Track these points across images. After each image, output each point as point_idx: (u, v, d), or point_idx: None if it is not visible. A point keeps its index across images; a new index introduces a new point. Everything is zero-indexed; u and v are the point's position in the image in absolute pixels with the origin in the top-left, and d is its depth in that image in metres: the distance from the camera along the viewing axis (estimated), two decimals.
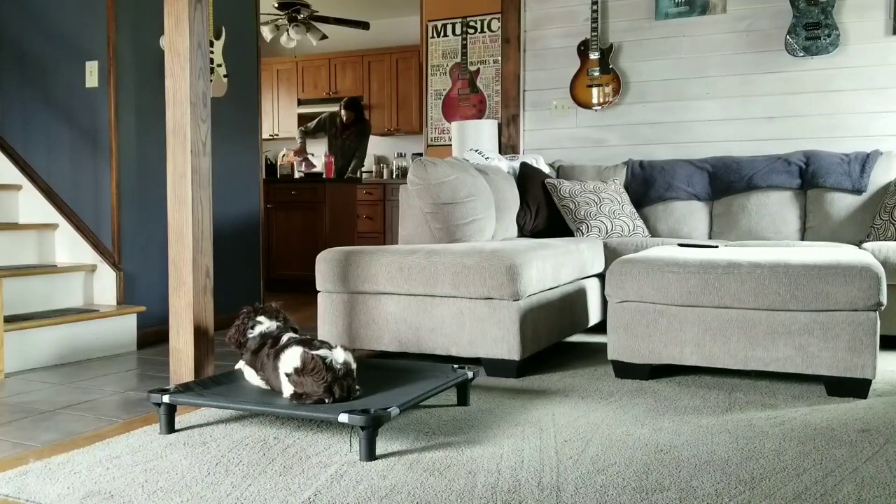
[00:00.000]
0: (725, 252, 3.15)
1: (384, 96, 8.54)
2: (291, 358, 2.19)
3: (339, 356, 2.20)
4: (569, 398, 2.62)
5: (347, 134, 7.43)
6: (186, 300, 2.69)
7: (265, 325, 2.43)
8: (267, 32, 7.64)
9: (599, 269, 3.91)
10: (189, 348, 2.69)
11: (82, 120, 3.92)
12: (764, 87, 4.69)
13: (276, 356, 2.25)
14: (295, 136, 8.93)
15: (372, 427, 1.97)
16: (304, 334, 2.44)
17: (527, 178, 4.49)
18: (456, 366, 2.54)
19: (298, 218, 6.28)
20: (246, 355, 2.42)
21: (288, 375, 2.19)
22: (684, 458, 1.98)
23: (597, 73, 5.04)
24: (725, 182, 4.42)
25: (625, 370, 2.94)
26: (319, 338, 2.63)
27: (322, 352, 2.18)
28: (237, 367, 2.52)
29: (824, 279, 2.62)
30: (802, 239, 4.23)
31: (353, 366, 2.24)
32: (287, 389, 2.20)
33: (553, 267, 3.23)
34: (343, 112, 7.50)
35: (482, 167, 4.21)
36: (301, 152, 7.50)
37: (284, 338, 2.34)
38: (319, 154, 7.89)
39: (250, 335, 2.42)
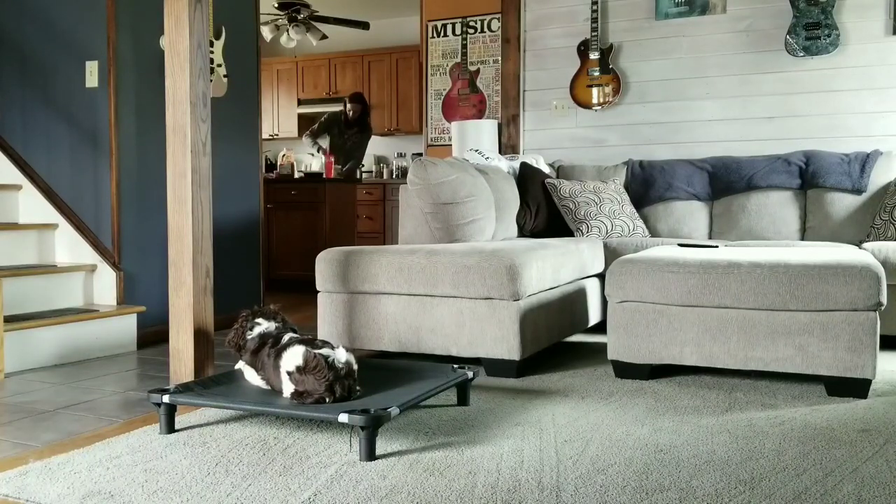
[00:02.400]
0: (725, 252, 3.15)
1: (384, 96, 8.55)
2: (294, 356, 2.19)
3: (342, 356, 2.20)
4: (569, 398, 2.62)
5: (351, 133, 7.34)
6: (186, 300, 2.69)
7: (264, 325, 2.44)
8: (267, 32, 7.64)
9: (599, 269, 3.91)
10: (189, 348, 2.69)
11: (82, 120, 3.92)
12: (764, 87, 4.70)
13: (278, 355, 2.26)
14: (295, 135, 8.94)
15: (372, 427, 1.97)
16: (305, 334, 2.44)
17: (527, 178, 4.49)
18: (456, 366, 2.54)
19: (298, 218, 6.28)
20: (246, 355, 2.42)
21: (289, 374, 2.19)
22: (684, 458, 1.98)
23: (597, 73, 5.04)
24: (725, 182, 4.43)
25: (625, 370, 2.94)
26: (319, 338, 2.62)
27: (325, 351, 2.19)
28: (237, 367, 2.52)
29: (824, 279, 2.62)
30: (802, 239, 4.23)
31: (355, 366, 2.24)
32: (288, 388, 2.20)
33: (553, 267, 3.23)
34: (349, 106, 7.33)
35: (482, 167, 4.21)
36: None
37: (286, 337, 2.34)
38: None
39: (249, 336, 2.42)
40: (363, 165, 8.29)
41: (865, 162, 4.18)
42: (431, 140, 5.87)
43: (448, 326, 3.03)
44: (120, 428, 2.36)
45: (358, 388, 2.25)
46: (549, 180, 4.45)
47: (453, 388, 2.48)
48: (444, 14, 5.74)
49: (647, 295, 2.87)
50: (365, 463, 1.96)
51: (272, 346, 2.32)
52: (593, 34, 5.02)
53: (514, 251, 3.00)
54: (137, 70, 3.94)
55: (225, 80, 4.43)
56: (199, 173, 2.71)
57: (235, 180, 4.58)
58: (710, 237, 4.44)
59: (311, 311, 4.85)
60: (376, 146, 8.86)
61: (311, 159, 7.43)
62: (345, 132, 7.35)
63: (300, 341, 2.27)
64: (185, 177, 2.68)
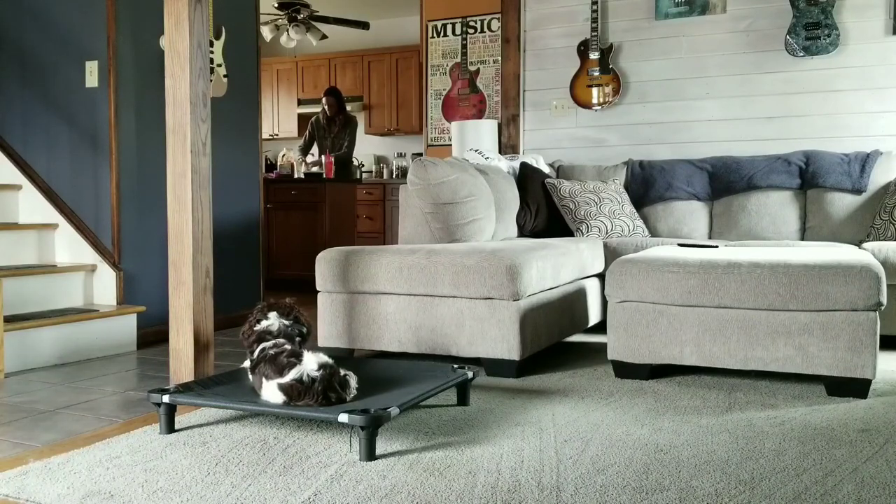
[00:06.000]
0: (725, 252, 3.15)
1: (384, 96, 8.55)
2: (274, 395, 2.17)
3: (312, 366, 2.16)
4: (569, 398, 2.62)
5: (334, 128, 7.29)
6: (186, 300, 2.69)
7: (269, 322, 2.40)
8: (267, 32, 7.63)
9: (599, 269, 3.91)
10: (189, 348, 2.69)
11: (82, 120, 3.92)
12: (764, 87, 4.70)
13: (261, 386, 2.23)
14: (295, 135, 8.94)
15: (372, 427, 1.97)
16: (281, 345, 2.29)
17: (527, 178, 4.49)
18: (456, 366, 2.54)
19: (298, 218, 6.28)
20: (249, 363, 2.38)
21: (285, 404, 2.17)
22: (684, 458, 1.98)
23: (597, 73, 5.04)
24: (725, 182, 4.43)
25: (625, 370, 2.94)
26: (283, 340, 2.37)
27: (294, 373, 2.14)
28: (244, 364, 2.49)
29: (824, 279, 2.62)
30: (802, 239, 4.23)
31: (331, 361, 2.21)
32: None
33: (553, 267, 3.23)
34: (324, 101, 7.25)
35: (482, 167, 4.21)
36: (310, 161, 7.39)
37: (262, 361, 2.26)
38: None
39: (257, 328, 2.38)
40: (360, 163, 8.28)
41: (865, 162, 4.18)
42: (431, 140, 5.87)
43: (448, 326, 3.03)
44: (120, 428, 2.36)
45: (346, 374, 2.23)
46: (549, 180, 4.45)
47: (453, 388, 2.48)
48: (444, 14, 5.74)
49: (647, 295, 2.87)
50: (365, 463, 1.96)
51: (260, 370, 2.26)
52: (593, 34, 5.02)
53: (514, 251, 3.00)
54: (137, 70, 3.94)
55: (225, 80, 4.43)
56: (199, 173, 2.71)
57: (235, 180, 4.58)
58: (710, 237, 4.44)
59: (311, 312, 4.84)
60: (376, 146, 8.86)
61: (309, 158, 7.45)
62: (327, 129, 7.31)
63: (273, 365, 2.20)
64: (185, 177, 2.68)
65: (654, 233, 4.50)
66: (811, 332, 2.65)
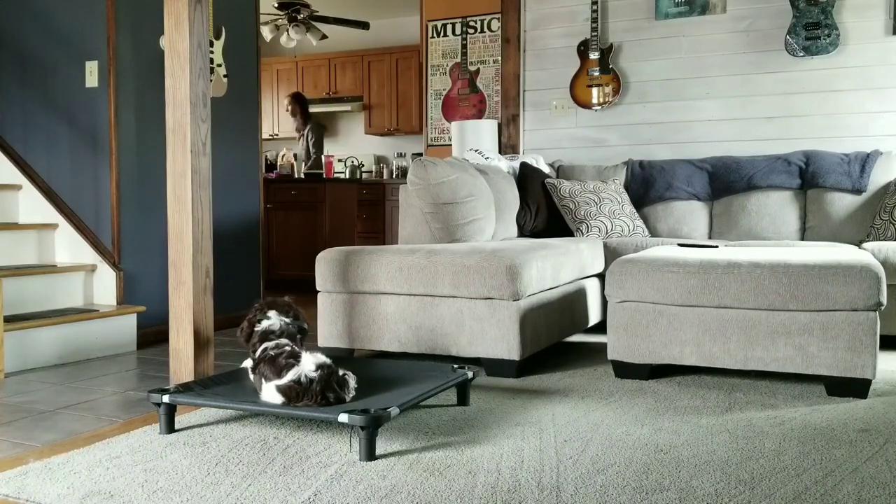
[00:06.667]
0: (725, 252, 3.15)
1: (384, 96, 8.55)
2: (273, 396, 2.16)
3: (309, 366, 2.15)
4: (569, 398, 2.62)
5: (305, 131, 7.53)
6: (186, 300, 2.69)
7: (271, 322, 2.40)
8: (267, 32, 7.64)
9: (599, 269, 3.91)
10: (189, 348, 2.69)
11: (82, 120, 3.92)
12: (764, 87, 4.70)
13: (261, 387, 2.23)
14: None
15: (372, 427, 1.97)
16: (282, 345, 2.28)
17: (527, 178, 4.49)
18: (456, 366, 2.54)
19: (298, 218, 6.28)
20: (250, 361, 2.38)
21: (285, 405, 2.17)
22: (684, 458, 1.98)
23: (597, 73, 5.04)
24: (725, 182, 4.42)
25: (625, 370, 2.94)
26: (284, 340, 2.36)
27: (292, 374, 2.13)
28: (244, 364, 2.50)
29: (824, 279, 2.62)
30: (802, 239, 4.23)
31: (329, 361, 2.20)
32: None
33: (553, 267, 3.23)
34: (286, 101, 7.60)
35: (482, 167, 4.21)
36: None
37: (262, 362, 2.26)
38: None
39: (257, 329, 2.38)
40: (360, 163, 8.33)
41: (865, 162, 4.18)
42: (431, 140, 5.87)
43: (448, 326, 3.03)
44: (120, 428, 2.36)
45: (345, 374, 2.22)
46: (549, 180, 4.45)
47: (453, 388, 2.48)
48: (444, 14, 5.74)
49: (647, 295, 2.87)
50: (365, 463, 1.96)
51: (260, 370, 2.26)
52: (593, 34, 5.02)
53: (514, 251, 3.00)
54: (137, 70, 3.94)
55: (225, 80, 4.43)
56: (199, 173, 2.71)
57: (235, 180, 4.58)
58: (710, 237, 4.44)
59: (311, 311, 4.84)
60: (376, 146, 8.86)
61: (302, 154, 7.61)
62: (302, 133, 7.54)
63: (272, 367, 2.20)
64: (185, 177, 2.68)
65: (654, 233, 4.50)
66: (811, 332, 2.65)
